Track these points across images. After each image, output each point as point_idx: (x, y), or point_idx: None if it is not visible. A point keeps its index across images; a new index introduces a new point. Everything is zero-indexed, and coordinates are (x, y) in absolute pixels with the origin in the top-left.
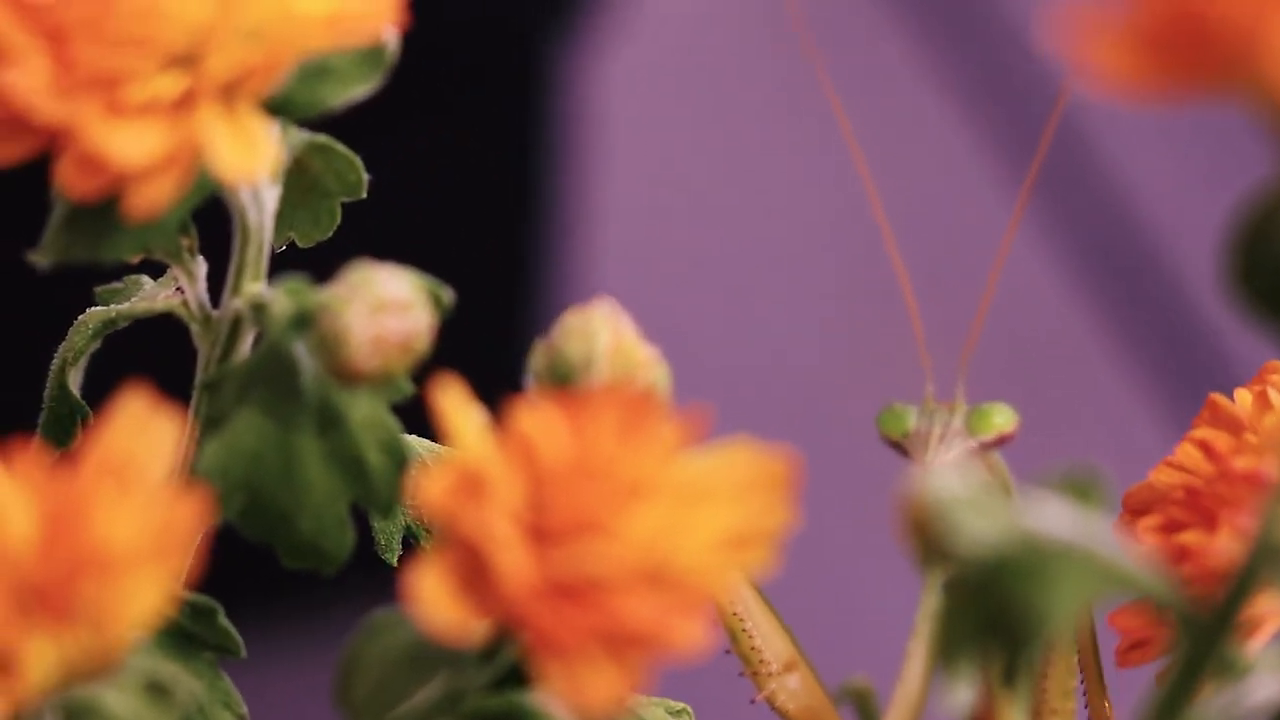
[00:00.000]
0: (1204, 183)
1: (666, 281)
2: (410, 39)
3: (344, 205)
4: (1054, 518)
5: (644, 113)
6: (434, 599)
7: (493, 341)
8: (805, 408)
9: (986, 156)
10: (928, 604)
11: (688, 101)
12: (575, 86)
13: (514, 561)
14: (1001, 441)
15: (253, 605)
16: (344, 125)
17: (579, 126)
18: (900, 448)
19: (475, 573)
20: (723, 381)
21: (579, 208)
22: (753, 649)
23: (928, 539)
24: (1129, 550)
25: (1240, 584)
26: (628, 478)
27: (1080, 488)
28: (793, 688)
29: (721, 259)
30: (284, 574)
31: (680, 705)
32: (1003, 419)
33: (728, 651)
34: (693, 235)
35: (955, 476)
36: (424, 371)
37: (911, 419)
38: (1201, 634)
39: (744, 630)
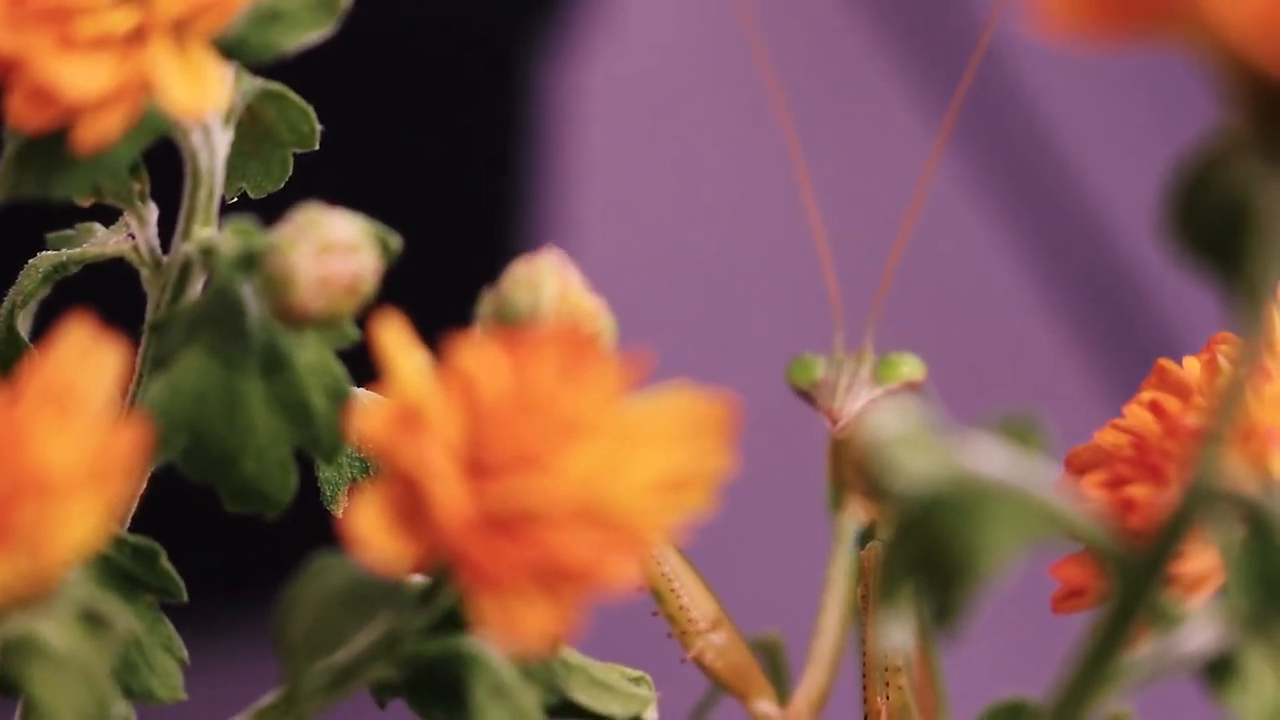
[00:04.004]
0: (1137, 134)
1: (642, 282)
2: (392, 45)
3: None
4: (991, 458)
5: (622, 120)
6: (371, 532)
7: None
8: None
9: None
10: (839, 556)
11: (665, 109)
12: (554, 94)
13: (450, 493)
14: (908, 390)
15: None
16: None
17: (557, 134)
18: (808, 396)
19: (412, 506)
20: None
21: (556, 213)
22: (681, 608)
23: (866, 477)
24: (1065, 494)
25: (1174, 526)
26: (567, 415)
27: (1018, 431)
28: (719, 644)
29: (696, 260)
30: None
31: (638, 673)
32: (910, 368)
33: (654, 613)
34: (668, 238)
35: (894, 415)
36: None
37: (820, 368)
38: (1134, 577)
39: (672, 590)
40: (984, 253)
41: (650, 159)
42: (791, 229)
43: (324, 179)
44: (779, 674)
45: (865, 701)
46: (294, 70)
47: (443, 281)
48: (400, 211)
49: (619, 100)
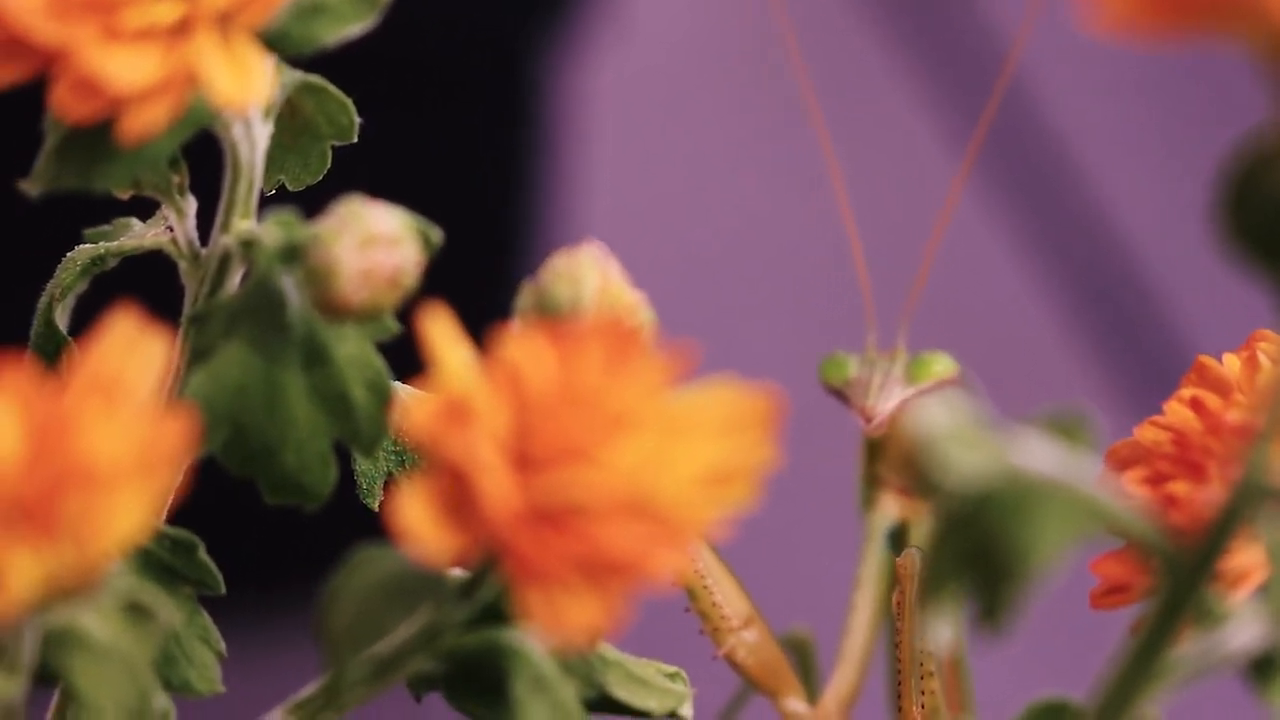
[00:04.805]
0: (1139, 138)
1: (650, 283)
2: (398, 45)
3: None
4: (1040, 455)
5: (631, 120)
6: (418, 524)
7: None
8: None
9: (945, 125)
10: (870, 555)
11: (674, 109)
12: (563, 94)
13: (498, 485)
14: (941, 389)
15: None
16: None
17: (566, 134)
18: (841, 395)
19: (460, 498)
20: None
21: (565, 213)
22: (714, 605)
23: (914, 472)
24: (1113, 491)
25: (1223, 523)
26: (613, 408)
27: (1067, 429)
28: (751, 642)
29: (705, 259)
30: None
31: (674, 668)
32: (942, 367)
33: (687, 610)
34: (676, 238)
35: (944, 410)
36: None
37: (853, 367)
38: (1183, 574)
39: (705, 587)
40: (990, 255)
41: (659, 159)
42: (800, 228)
43: (331, 178)
44: (809, 672)
45: (900, 710)
46: (302, 70)
47: (450, 282)
48: (407, 211)
49: (628, 100)
